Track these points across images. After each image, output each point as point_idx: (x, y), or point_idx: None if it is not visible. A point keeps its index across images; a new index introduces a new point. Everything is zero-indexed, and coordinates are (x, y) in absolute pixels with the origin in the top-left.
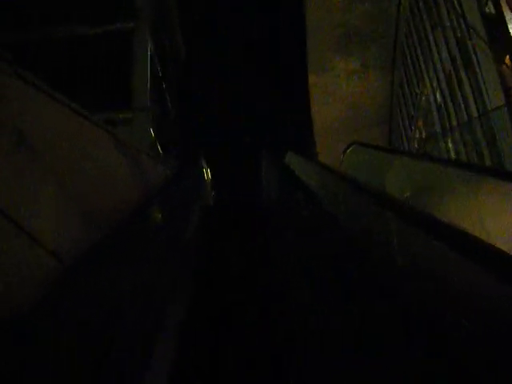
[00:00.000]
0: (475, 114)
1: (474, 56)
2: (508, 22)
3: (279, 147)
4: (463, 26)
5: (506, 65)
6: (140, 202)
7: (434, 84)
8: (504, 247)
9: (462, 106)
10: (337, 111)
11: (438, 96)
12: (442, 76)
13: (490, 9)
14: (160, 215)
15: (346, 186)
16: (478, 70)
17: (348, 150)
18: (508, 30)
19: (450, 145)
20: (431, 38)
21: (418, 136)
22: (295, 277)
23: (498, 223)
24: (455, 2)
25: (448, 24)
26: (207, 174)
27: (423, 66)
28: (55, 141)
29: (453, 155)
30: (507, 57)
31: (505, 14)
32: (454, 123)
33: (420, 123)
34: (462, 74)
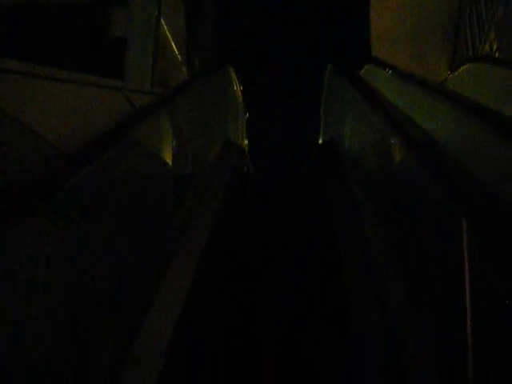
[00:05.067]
0: None
1: None
2: None
3: (327, 58)
4: None
5: None
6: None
7: None
8: None
9: None
10: (398, 16)
11: None
12: None
13: None
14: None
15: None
16: None
17: (461, 68)
18: None
19: None
20: None
21: (488, 49)
22: None
23: None
24: None
25: None
26: (238, 95)
27: None
28: None
29: None
30: None
31: None
32: None
33: (492, 35)
34: None
